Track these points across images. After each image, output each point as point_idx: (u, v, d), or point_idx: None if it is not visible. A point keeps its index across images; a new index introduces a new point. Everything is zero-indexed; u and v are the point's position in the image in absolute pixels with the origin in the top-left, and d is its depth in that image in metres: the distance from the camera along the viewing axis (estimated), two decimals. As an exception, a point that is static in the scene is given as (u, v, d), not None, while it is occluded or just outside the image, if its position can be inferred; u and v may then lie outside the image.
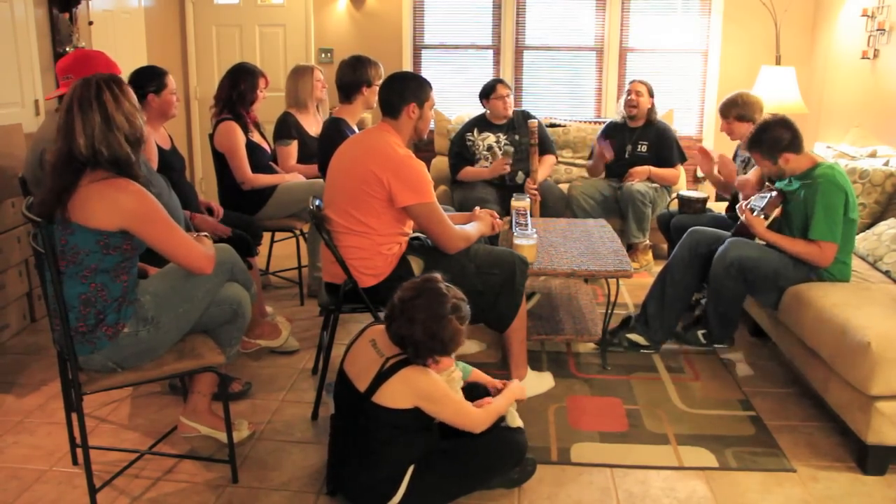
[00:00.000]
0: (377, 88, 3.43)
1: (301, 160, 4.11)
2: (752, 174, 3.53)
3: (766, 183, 3.31)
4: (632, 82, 4.63)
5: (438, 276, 2.17)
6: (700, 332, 3.35)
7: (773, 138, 2.99)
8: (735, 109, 3.78)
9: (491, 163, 4.51)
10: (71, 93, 2.12)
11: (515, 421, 2.37)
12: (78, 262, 2.10)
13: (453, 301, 2.11)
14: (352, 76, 3.44)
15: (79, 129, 2.07)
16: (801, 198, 3.01)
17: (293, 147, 4.08)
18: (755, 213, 3.08)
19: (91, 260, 2.10)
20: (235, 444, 2.45)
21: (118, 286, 2.16)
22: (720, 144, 5.69)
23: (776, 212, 3.08)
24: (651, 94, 4.58)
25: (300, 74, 4.15)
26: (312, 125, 4.19)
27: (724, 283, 3.11)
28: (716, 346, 3.37)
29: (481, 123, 4.61)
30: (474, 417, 2.17)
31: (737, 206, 3.27)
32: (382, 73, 3.51)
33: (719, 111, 3.86)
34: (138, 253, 2.22)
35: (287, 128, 4.08)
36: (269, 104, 3.98)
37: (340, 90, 3.48)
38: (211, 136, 3.83)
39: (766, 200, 3.10)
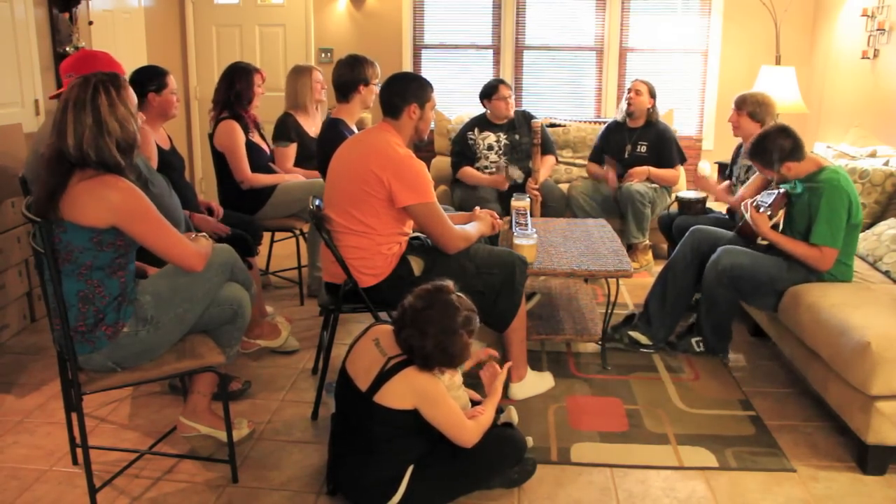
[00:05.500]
0: (374, 87, 3.45)
1: (301, 161, 4.10)
2: (747, 190, 3.53)
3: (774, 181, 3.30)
4: (633, 81, 4.63)
5: (450, 284, 2.17)
6: (694, 340, 3.35)
7: (773, 148, 2.98)
8: (750, 106, 3.76)
9: (492, 163, 4.51)
10: (68, 91, 2.11)
11: (511, 416, 2.38)
12: (73, 261, 2.10)
13: (465, 314, 2.11)
14: (349, 75, 3.43)
15: (70, 129, 2.06)
16: (805, 201, 3.00)
17: (291, 149, 4.07)
18: (761, 210, 3.07)
19: (85, 257, 2.10)
20: (235, 442, 2.45)
21: (115, 283, 2.16)
22: (719, 144, 5.70)
23: (780, 215, 3.08)
24: (652, 95, 4.57)
25: (299, 75, 4.14)
26: (312, 126, 4.18)
27: (717, 291, 3.11)
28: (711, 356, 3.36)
29: (482, 123, 4.61)
30: (468, 430, 2.15)
31: (742, 204, 3.26)
32: (379, 72, 3.51)
33: (735, 101, 3.82)
34: (133, 249, 2.22)
35: (286, 129, 4.07)
36: (268, 104, 3.98)
37: (337, 90, 3.48)
38: (211, 136, 3.83)
39: (773, 197, 3.08)
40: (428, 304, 2.09)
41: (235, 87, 3.70)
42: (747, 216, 3.13)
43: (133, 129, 2.15)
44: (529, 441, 2.52)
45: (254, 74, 3.76)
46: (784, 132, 3.00)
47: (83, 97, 2.08)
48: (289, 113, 4.12)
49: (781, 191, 3.09)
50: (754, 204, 3.14)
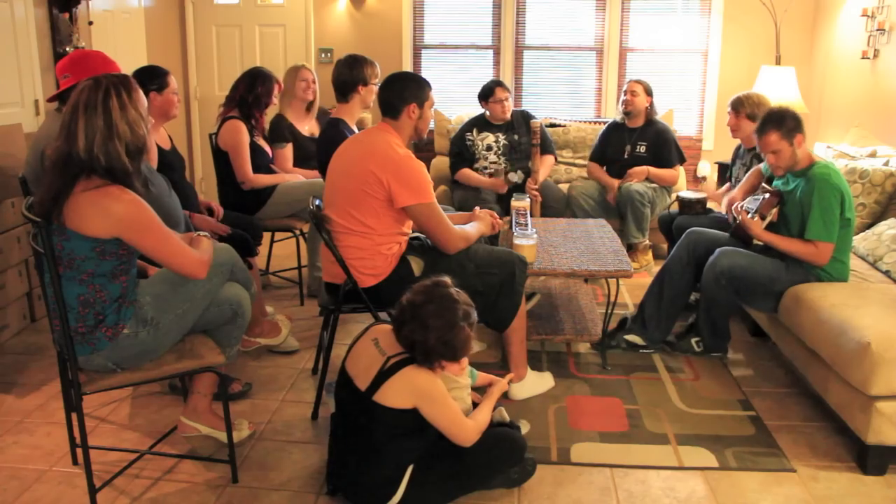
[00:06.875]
0: (374, 87, 3.45)
1: (298, 162, 4.12)
2: (739, 191, 3.53)
3: (762, 185, 3.31)
4: (629, 82, 4.63)
5: (448, 280, 2.17)
6: (693, 340, 3.35)
7: (789, 116, 3.02)
8: (748, 107, 3.76)
9: (491, 163, 4.51)
10: (79, 93, 2.10)
11: (502, 415, 2.38)
12: (75, 267, 2.09)
13: (464, 308, 2.11)
14: (348, 75, 3.43)
15: (80, 131, 2.05)
16: (797, 197, 3.01)
17: (288, 149, 4.08)
18: (749, 216, 3.09)
19: (88, 265, 2.10)
20: (235, 443, 2.45)
21: (117, 287, 2.16)
22: (719, 144, 5.70)
23: (773, 213, 3.09)
24: (649, 94, 4.57)
25: (290, 74, 4.17)
26: (305, 125, 4.19)
27: (716, 292, 3.11)
28: (711, 355, 3.36)
29: (481, 123, 4.61)
30: (468, 429, 2.16)
31: (732, 208, 3.28)
32: (379, 72, 3.51)
33: (731, 105, 3.83)
34: (135, 255, 2.21)
35: (280, 130, 4.08)
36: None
37: (337, 90, 3.48)
38: (213, 136, 3.83)
39: (759, 202, 3.11)
40: (427, 299, 2.10)
41: (256, 90, 3.74)
42: (739, 219, 3.14)
43: (142, 133, 2.14)
44: (525, 426, 2.50)
45: (274, 83, 3.81)
46: (793, 110, 3.07)
47: (94, 100, 2.07)
48: (281, 115, 4.13)
49: (767, 195, 3.09)
50: (743, 208, 3.15)
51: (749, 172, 3.57)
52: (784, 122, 3.00)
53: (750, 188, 3.47)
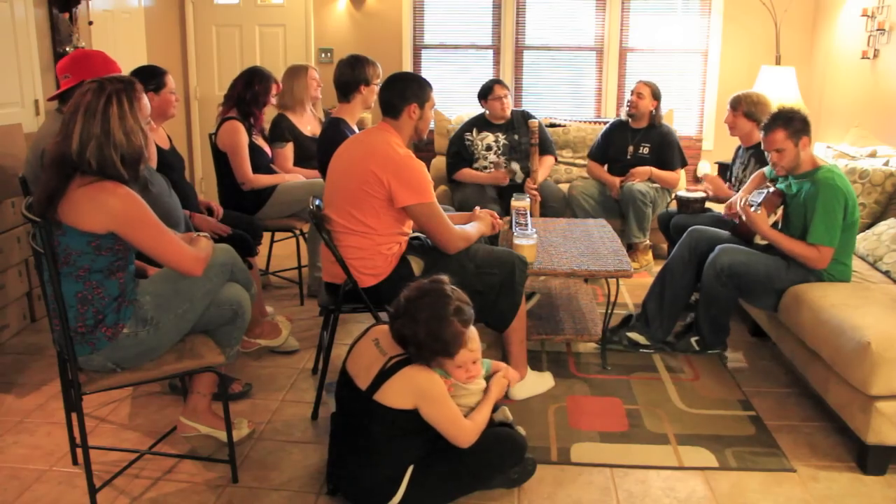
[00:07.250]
0: (375, 88, 3.45)
1: (298, 161, 4.11)
2: (743, 193, 3.53)
3: (767, 182, 3.32)
4: (637, 83, 4.60)
5: (445, 278, 2.18)
6: (693, 339, 3.35)
7: (797, 117, 3.02)
8: (746, 105, 3.77)
9: (490, 162, 4.51)
10: (81, 95, 2.10)
11: (506, 414, 2.37)
12: (71, 263, 2.10)
13: (457, 303, 2.11)
14: (350, 75, 3.43)
15: (76, 134, 2.06)
16: (801, 200, 3.01)
17: (288, 149, 4.08)
18: (753, 209, 3.08)
19: (83, 261, 2.10)
20: (235, 442, 2.46)
21: (114, 283, 2.16)
22: (719, 144, 5.70)
23: (778, 213, 3.08)
24: (656, 98, 4.54)
25: (296, 74, 4.15)
26: (307, 125, 4.19)
27: (716, 289, 3.12)
28: (709, 352, 3.36)
29: (480, 123, 4.61)
30: (466, 430, 2.15)
31: (737, 205, 3.28)
32: (380, 72, 3.51)
33: (730, 102, 3.84)
34: (132, 251, 2.22)
35: (280, 130, 4.08)
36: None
37: (338, 89, 3.48)
38: (212, 136, 3.83)
39: (763, 196, 3.11)
40: (421, 294, 2.11)
41: (254, 88, 3.74)
42: (744, 217, 3.14)
43: (139, 143, 2.14)
44: (521, 431, 2.51)
45: (272, 83, 3.80)
46: (802, 112, 3.08)
47: (95, 106, 2.07)
48: (282, 114, 4.12)
49: (772, 189, 3.10)
50: (747, 203, 3.15)
51: (752, 176, 3.56)
52: (792, 122, 3.00)
53: (751, 191, 3.47)
